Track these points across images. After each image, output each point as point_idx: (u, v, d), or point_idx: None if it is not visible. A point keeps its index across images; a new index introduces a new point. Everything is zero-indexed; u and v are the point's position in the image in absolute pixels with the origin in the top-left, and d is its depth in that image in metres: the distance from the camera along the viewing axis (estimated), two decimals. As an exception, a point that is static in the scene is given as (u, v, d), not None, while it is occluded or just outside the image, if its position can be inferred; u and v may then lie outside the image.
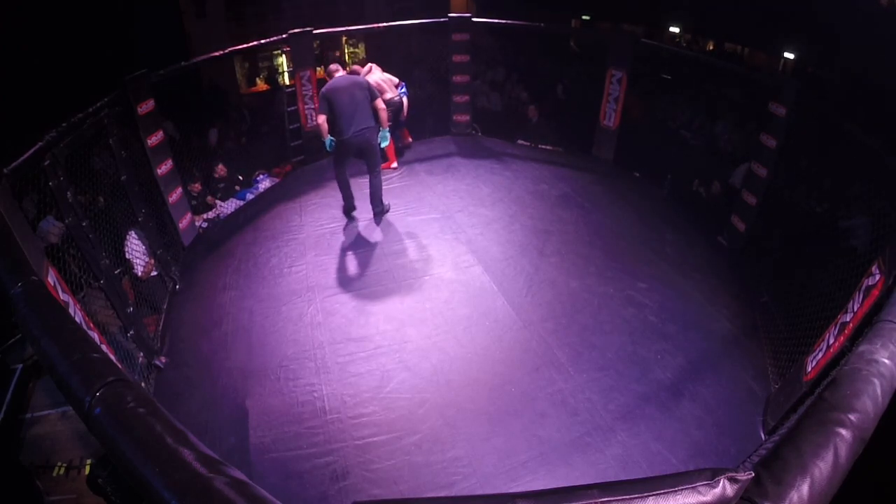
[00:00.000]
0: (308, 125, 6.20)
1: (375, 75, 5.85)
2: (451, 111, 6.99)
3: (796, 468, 1.09)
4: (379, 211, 5.11)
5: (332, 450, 3.00)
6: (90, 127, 3.66)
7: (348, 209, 5.18)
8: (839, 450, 1.14)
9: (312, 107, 6.17)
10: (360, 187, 5.21)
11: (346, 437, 3.06)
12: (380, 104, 4.67)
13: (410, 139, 6.68)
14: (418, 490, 2.78)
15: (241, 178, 6.13)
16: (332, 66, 4.94)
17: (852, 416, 1.22)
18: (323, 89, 4.57)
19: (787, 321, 3.72)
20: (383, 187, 5.13)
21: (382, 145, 4.90)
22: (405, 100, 6.04)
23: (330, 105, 4.49)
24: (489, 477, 2.84)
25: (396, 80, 6.04)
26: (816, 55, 7.26)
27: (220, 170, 5.79)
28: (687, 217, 5.34)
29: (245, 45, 5.74)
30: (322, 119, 4.51)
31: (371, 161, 4.87)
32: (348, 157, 4.84)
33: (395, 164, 6.18)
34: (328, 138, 4.58)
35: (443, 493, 2.74)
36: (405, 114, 6.13)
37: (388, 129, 4.87)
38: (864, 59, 6.18)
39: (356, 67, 6.00)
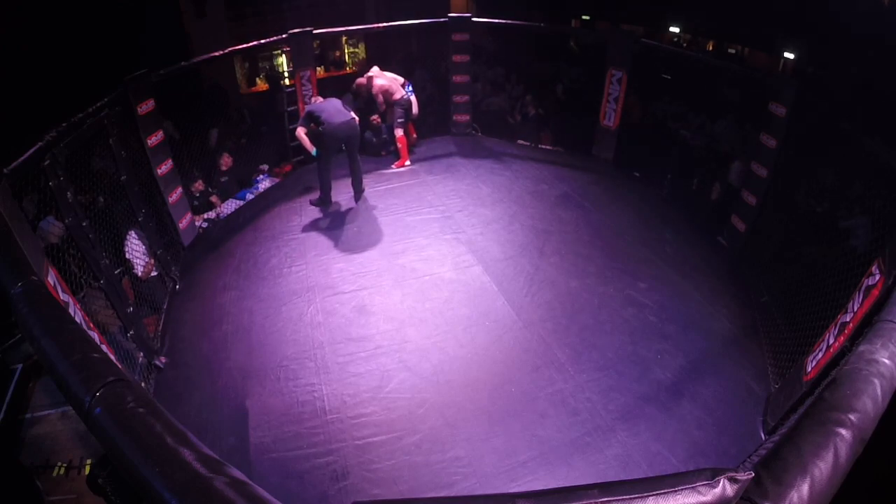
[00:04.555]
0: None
1: (381, 80, 5.89)
2: (451, 111, 6.99)
3: (796, 468, 1.09)
4: (360, 191, 5.53)
5: (332, 450, 3.00)
6: (90, 127, 3.66)
7: (325, 202, 5.39)
8: (839, 450, 1.14)
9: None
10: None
11: (346, 437, 3.06)
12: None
13: (415, 135, 6.72)
14: (418, 490, 2.78)
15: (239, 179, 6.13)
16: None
17: (852, 416, 1.22)
18: (308, 107, 5.19)
19: (787, 321, 3.71)
20: (383, 187, 5.30)
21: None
22: (413, 97, 6.07)
23: (316, 115, 4.97)
24: (489, 477, 2.84)
25: (402, 80, 6.08)
26: (817, 55, 7.25)
27: (226, 161, 5.77)
28: (687, 217, 5.34)
29: (245, 45, 5.74)
30: (301, 132, 5.06)
31: (354, 150, 5.25)
32: (334, 151, 5.14)
33: (407, 163, 6.19)
34: (313, 149, 5.06)
35: (443, 493, 2.74)
36: (416, 111, 6.16)
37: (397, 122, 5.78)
38: (865, 59, 6.18)
39: (360, 81, 6.05)
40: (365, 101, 6.11)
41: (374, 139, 6.47)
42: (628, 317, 3.95)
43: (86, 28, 6.04)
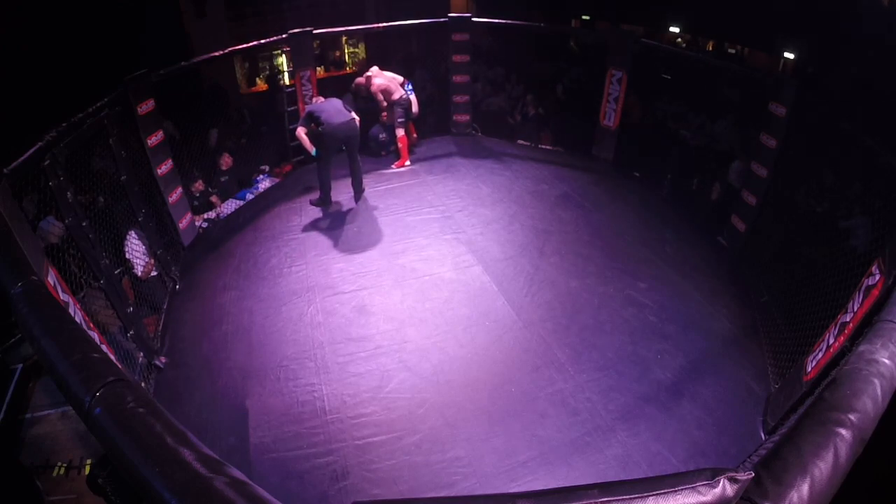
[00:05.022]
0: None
1: (380, 79, 5.88)
2: (451, 111, 6.99)
3: (796, 468, 1.09)
4: (360, 191, 5.51)
5: (332, 450, 3.00)
6: (90, 127, 3.66)
7: (325, 202, 5.39)
8: (839, 450, 1.14)
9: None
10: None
11: (346, 437, 3.06)
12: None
13: (416, 135, 6.70)
14: (418, 490, 2.78)
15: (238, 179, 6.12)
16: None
17: (852, 416, 1.22)
18: (308, 107, 5.20)
19: (787, 321, 3.71)
20: (383, 187, 5.34)
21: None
22: (413, 96, 6.07)
23: (316, 115, 4.98)
24: (489, 477, 2.84)
25: (401, 79, 6.07)
26: (817, 55, 7.25)
27: (226, 161, 5.76)
28: (687, 217, 5.34)
29: (245, 45, 5.74)
30: (301, 132, 5.07)
31: (354, 150, 5.24)
32: (334, 151, 5.14)
33: (407, 163, 6.18)
34: (313, 149, 5.07)
35: (443, 493, 2.74)
36: (416, 110, 6.15)
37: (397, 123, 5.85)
38: (865, 59, 6.18)
39: (359, 80, 6.02)
40: (365, 100, 6.11)
41: (382, 135, 6.46)
42: (628, 317, 3.95)
43: (86, 28, 6.04)
